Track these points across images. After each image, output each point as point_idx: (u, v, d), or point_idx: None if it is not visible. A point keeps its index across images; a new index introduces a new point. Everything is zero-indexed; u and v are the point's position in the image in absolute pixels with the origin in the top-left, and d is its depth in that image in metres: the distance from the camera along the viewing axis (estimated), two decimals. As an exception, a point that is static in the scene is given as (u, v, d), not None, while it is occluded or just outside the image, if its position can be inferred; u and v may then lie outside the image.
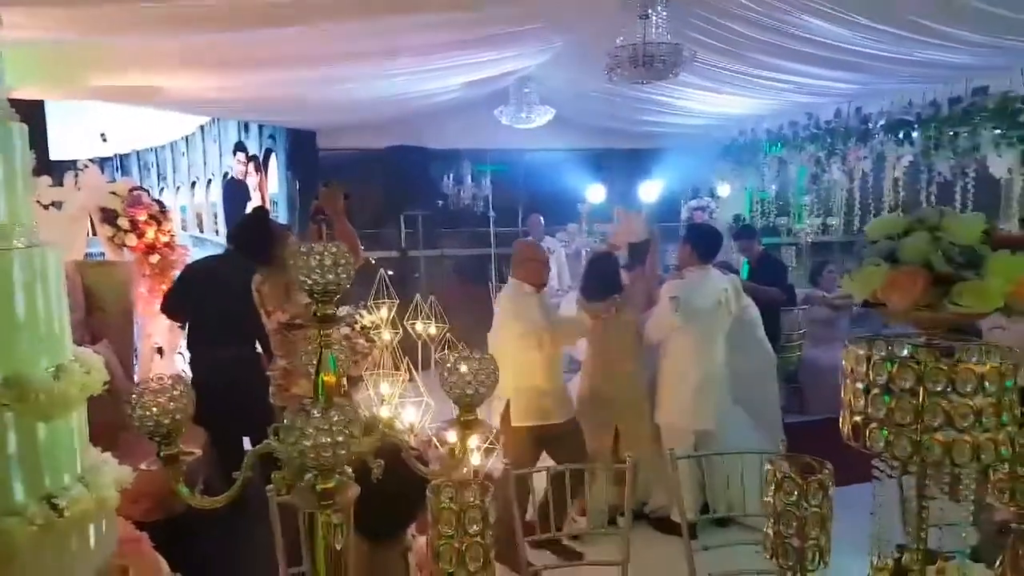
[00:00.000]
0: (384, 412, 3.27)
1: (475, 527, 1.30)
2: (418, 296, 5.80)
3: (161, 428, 1.17)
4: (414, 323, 5.68)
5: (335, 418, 1.02)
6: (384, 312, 5.63)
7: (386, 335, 5.39)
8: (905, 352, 1.44)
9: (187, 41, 4.38)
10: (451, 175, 9.36)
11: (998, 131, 4.87)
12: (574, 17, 4.86)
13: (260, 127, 8.91)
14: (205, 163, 9.73)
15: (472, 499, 1.31)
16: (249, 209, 8.78)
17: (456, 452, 1.34)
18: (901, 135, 5.92)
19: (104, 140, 9.63)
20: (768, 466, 1.51)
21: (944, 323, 1.38)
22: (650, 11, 4.34)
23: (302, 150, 8.68)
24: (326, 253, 1.20)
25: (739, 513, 3.38)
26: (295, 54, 4.98)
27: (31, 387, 1.85)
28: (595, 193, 9.56)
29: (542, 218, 8.52)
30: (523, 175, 10.17)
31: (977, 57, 4.40)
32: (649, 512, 4.46)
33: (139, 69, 4.84)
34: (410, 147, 9.02)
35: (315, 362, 1.74)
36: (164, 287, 5.22)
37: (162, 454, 1.19)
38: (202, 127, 9.54)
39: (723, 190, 9.77)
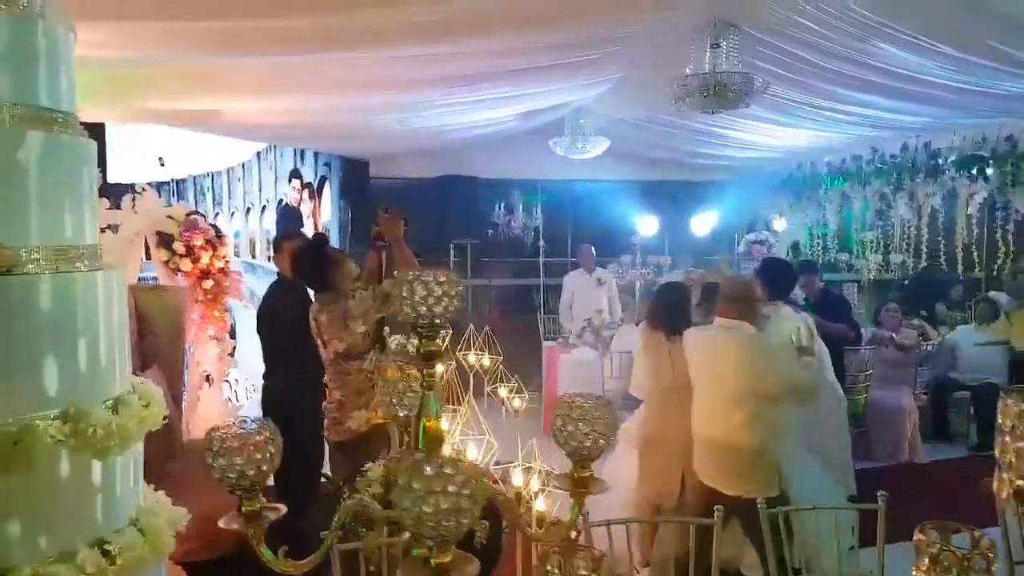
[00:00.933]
0: (446, 450, 3.09)
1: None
2: (471, 327, 5.65)
3: (244, 480, 1.02)
4: (466, 354, 5.53)
5: (457, 478, 0.85)
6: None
7: (439, 367, 5.25)
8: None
9: (250, 65, 4.36)
10: (502, 205, 9.29)
11: (1087, 166, 4.60)
12: (641, 46, 4.73)
13: (316, 155, 8.95)
14: (260, 189, 9.80)
15: (585, 570, 1.13)
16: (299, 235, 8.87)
17: (573, 514, 1.17)
18: (975, 171, 5.66)
19: (162, 164, 9.77)
20: (918, 535, 1.31)
21: None
22: (721, 40, 4.21)
23: (355, 178, 8.71)
24: (434, 283, 1.05)
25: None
26: (353, 80, 4.95)
27: (88, 421, 1.72)
28: (647, 225, 9.39)
29: (593, 248, 8.36)
30: (573, 206, 10.06)
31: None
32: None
33: (201, 93, 4.85)
34: (461, 176, 9.01)
35: (396, 401, 1.61)
36: (216, 313, 5.17)
37: (244, 510, 1.04)
38: (258, 154, 9.62)
39: (779, 224, 9.53)
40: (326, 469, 3.76)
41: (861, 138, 6.91)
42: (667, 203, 9.73)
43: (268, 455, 1.04)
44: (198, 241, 4.88)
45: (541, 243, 9.52)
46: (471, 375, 5.50)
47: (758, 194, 9.58)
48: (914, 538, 1.32)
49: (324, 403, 3.39)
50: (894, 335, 6.99)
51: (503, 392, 4.70)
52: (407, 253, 3.35)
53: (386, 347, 3.44)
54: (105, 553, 1.76)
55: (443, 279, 1.07)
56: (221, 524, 1.05)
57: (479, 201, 9.26)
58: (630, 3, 3.69)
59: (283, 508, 1.09)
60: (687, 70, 4.34)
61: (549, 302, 9.59)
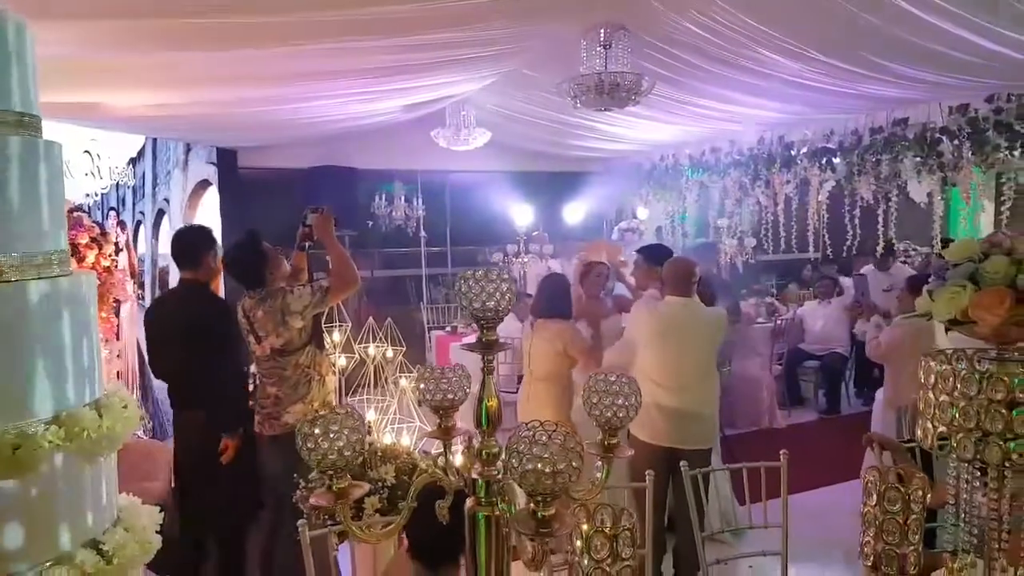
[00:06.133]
0: (387, 439, 3.19)
1: (628, 551, 1.31)
2: (371, 319, 5.69)
3: (341, 461, 1.14)
4: (367, 347, 5.57)
5: (570, 445, 1.02)
6: (336, 336, 5.50)
7: (341, 360, 5.26)
8: (986, 367, 1.56)
9: (136, 60, 4.20)
10: (382, 195, 9.27)
11: (918, 159, 5.29)
12: (535, 45, 4.95)
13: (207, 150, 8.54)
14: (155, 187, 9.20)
15: (610, 524, 1.32)
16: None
17: (603, 475, 1.36)
18: (824, 162, 6.33)
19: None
20: (867, 477, 1.60)
21: (1029, 338, 1.52)
22: (612, 41, 4.51)
23: (226, 170, 8.40)
24: (499, 281, 1.21)
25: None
26: (245, 74, 4.85)
27: (81, 425, 1.73)
28: (523, 214, 9.73)
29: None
30: (451, 195, 10.22)
31: (906, 91, 4.79)
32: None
33: (78, 86, 4.59)
34: (337, 167, 8.88)
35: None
36: (103, 313, 4.92)
37: (335, 488, 1.16)
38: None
39: (643, 212, 10.14)
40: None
41: (720, 132, 7.51)
42: (542, 193, 10.11)
43: (359, 438, 1.16)
44: (83, 239, 4.63)
45: (422, 234, 9.59)
46: (373, 367, 5.54)
47: (625, 184, 10.12)
48: (863, 479, 1.61)
49: (258, 399, 3.39)
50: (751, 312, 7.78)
51: (404, 382, 4.80)
52: (343, 251, 3.43)
53: (323, 343, 3.50)
54: (100, 553, 1.77)
55: (504, 277, 1.22)
56: (312, 501, 1.16)
57: (357, 192, 9.19)
58: (535, 8, 3.88)
59: (366, 486, 1.21)
60: (580, 69, 4.62)
61: (430, 292, 9.72)
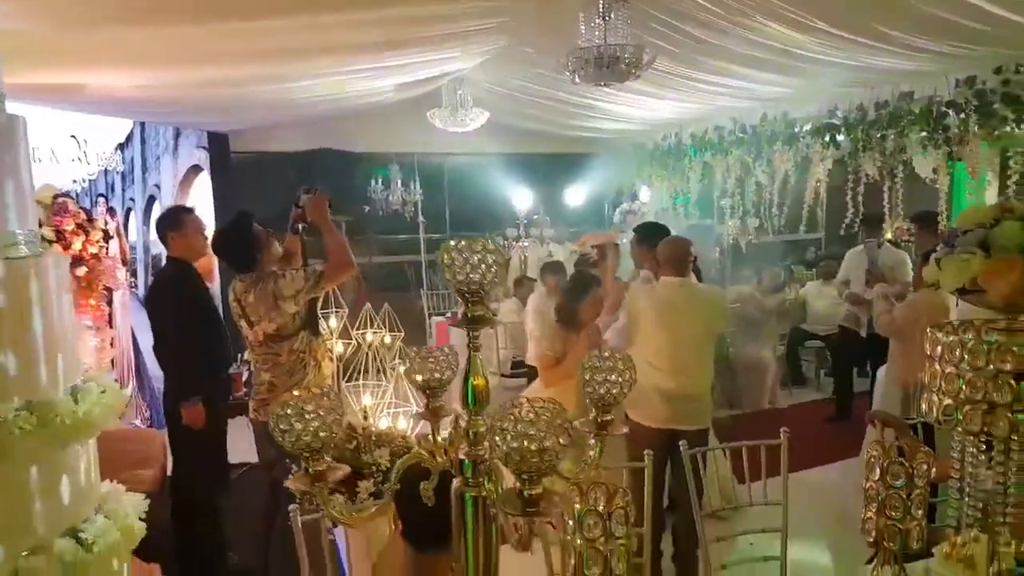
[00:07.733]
0: (384, 423, 3.14)
1: (622, 529, 1.25)
2: (368, 305, 5.62)
3: (316, 443, 1.07)
4: (364, 332, 5.49)
5: (557, 422, 0.95)
6: (333, 322, 5.43)
7: (338, 347, 5.20)
8: (994, 337, 1.49)
9: (111, 35, 4.10)
10: (379, 179, 9.13)
11: (924, 133, 5.18)
12: (530, 16, 4.83)
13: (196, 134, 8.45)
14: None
15: (604, 502, 1.26)
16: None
17: (596, 453, 1.30)
18: (827, 138, 6.21)
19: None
20: (871, 452, 1.54)
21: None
22: (611, 12, 4.39)
23: (217, 154, 8.31)
24: (484, 252, 1.13)
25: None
26: (231, 51, 4.74)
27: (55, 411, 1.67)
28: (523, 198, 9.63)
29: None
30: (449, 179, 10.10)
31: (913, 62, 4.68)
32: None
33: (61, 66, 4.49)
34: (332, 150, 8.77)
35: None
36: (92, 301, 4.86)
37: (311, 470, 1.09)
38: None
39: (644, 194, 10.02)
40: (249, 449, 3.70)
41: (721, 108, 7.37)
42: (542, 176, 10.00)
43: (336, 419, 1.10)
44: (68, 226, 4.56)
45: (420, 219, 9.48)
46: (368, 352, 5.47)
47: (626, 165, 10.00)
48: (866, 455, 1.55)
49: (253, 385, 3.34)
50: (756, 294, 7.74)
51: (401, 368, 4.72)
52: (338, 234, 3.34)
53: (318, 328, 3.43)
54: (80, 542, 1.71)
55: (491, 248, 1.15)
56: (287, 484, 1.11)
57: (353, 176, 9.07)
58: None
59: (346, 468, 1.15)
60: (580, 42, 4.49)
61: (431, 278, 9.63)
